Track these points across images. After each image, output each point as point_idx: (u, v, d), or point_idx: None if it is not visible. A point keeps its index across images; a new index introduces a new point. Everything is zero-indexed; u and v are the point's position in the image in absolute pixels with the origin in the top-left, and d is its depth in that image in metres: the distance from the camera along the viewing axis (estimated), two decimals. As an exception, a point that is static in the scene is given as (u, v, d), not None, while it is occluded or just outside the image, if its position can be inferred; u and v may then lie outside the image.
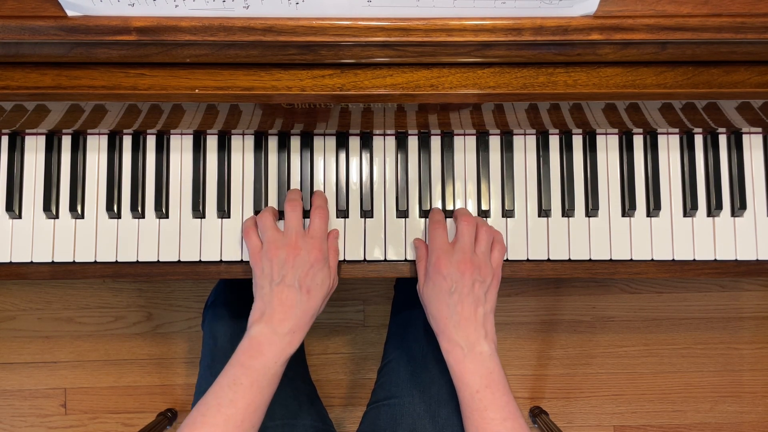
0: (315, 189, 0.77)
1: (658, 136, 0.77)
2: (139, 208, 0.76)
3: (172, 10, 0.55)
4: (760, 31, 0.56)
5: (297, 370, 0.89)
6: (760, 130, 0.77)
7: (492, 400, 0.64)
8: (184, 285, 1.47)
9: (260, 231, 0.71)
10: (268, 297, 0.66)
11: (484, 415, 0.64)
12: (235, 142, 0.77)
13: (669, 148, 0.77)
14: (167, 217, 0.76)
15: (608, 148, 0.77)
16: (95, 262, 0.75)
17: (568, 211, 0.76)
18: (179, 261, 0.76)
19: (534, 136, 0.77)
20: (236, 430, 0.61)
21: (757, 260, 0.76)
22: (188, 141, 0.77)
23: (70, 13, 0.55)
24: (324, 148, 0.77)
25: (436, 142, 0.77)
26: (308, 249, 0.67)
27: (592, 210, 0.76)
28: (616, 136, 0.77)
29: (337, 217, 0.76)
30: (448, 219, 0.75)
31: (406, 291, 0.97)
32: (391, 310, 0.99)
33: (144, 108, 0.67)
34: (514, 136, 0.77)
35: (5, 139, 0.76)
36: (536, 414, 1.38)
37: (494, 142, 0.77)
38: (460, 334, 0.66)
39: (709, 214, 0.77)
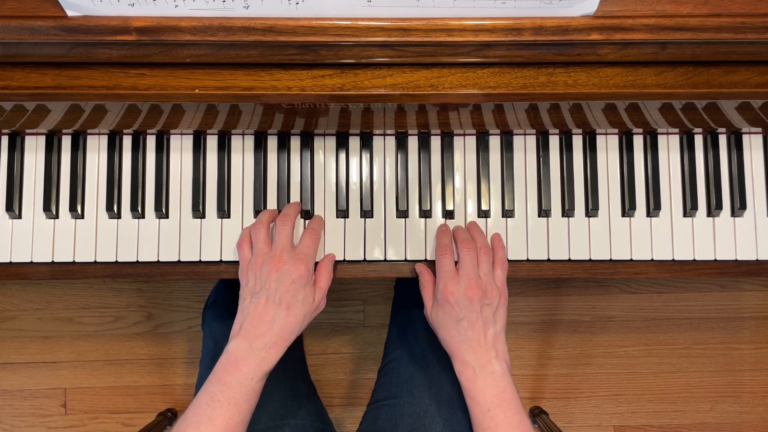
0: (315, 191, 0.77)
1: (658, 136, 0.77)
2: (139, 208, 0.76)
3: (172, 10, 0.55)
4: (760, 31, 0.56)
5: (297, 370, 0.89)
6: (760, 130, 0.77)
7: (503, 419, 0.64)
8: (184, 285, 1.47)
9: (253, 243, 0.71)
10: (247, 310, 0.66)
11: None
12: (235, 142, 0.77)
13: (669, 148, 0.77)
14: (167, 217, 0.76)
15: (608, 148, 0.77)
16: (95, 262, 0.75)
17: (568, 211, 0.76)
18: (179, 261, 0.76)
19: (534, 136, 0.77)
20: None
21: (757, 260, 0.76)
22: (188, 141, 0.77)
23: (70, 13, 0.55)
24: (324, 148, 0.77)
25: (436, 142, 0.77)
26: (293, 263, 0.67)
27: (592, 210, 0.76)
28: (616, 136, 0.77)
29: (337, 217, 0.76)
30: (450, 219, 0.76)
31: (406, 291, 0.97)
32: (391, 310, 0.99)
33: (144, 108, 0.67)
34: (514, 136, 0.77)
35: (5, 139, 0.76)
36: (536, 414, 1.38)
37: (494, 142, 0.77)
38: (471, 356, 0.67)
39: (709, 214, 0.77)
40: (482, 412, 0.65)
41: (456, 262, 0.71)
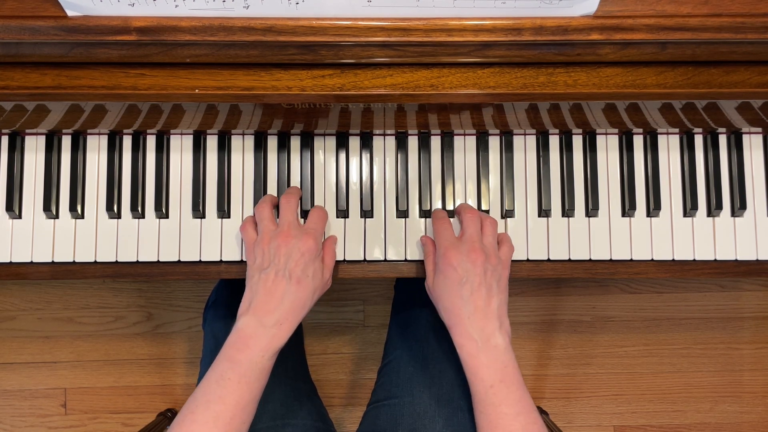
0: (315, 191, 0.77)
1: (658, 136, 0.77)
2: (139, 208, 0.76)
3: (172, 10, 0.55)
4: (760, 31, 0.56)
5: (297, 370, 0.89)
6: (760, 130, 0.77)
7: (506, 394, 0.63)
8: (184, 285, 1.47)
9: (257, 222, 0.70)
10: (256, 287, 0.65)
11: (498, 410, 0.63)
12: (235, 142, 0.77)
13: (669, 148, 0.77)
14: (167, 217, 0.76)
15: (608, 148, 0.77)
16: (95, 262, 0.75)
17: (568, 211, 0.76)
18: (179, 261, 0.76)
19: (534, 136, 0.77)
20: (226, 428, 0.60)
21: (757, 260, 0.76)
22: (188, 141, 0.77)
23: (70, 13, 0.55)
24: (324, 148, 0.77)
25: (436, 142, 0.77)
26: (301, 237, 0.66)
27: (592, 210, 0.76)
28: (616, 136, 0.77)
29: (337, 216, 0.76)
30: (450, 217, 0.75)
31: (406, 291, 0.97)
32: (391, 310, 0.99)
33: (144, 108, 0.67)
34: (514, 136, 0.77)
35: (5, 139, 0.76)
36: (536, 414, 1.38)
37: (494, 142, 0.77)
38: (474, 326, 0.64)
39: (709, 214, 0.77)
40: (485, 388, 0.63)
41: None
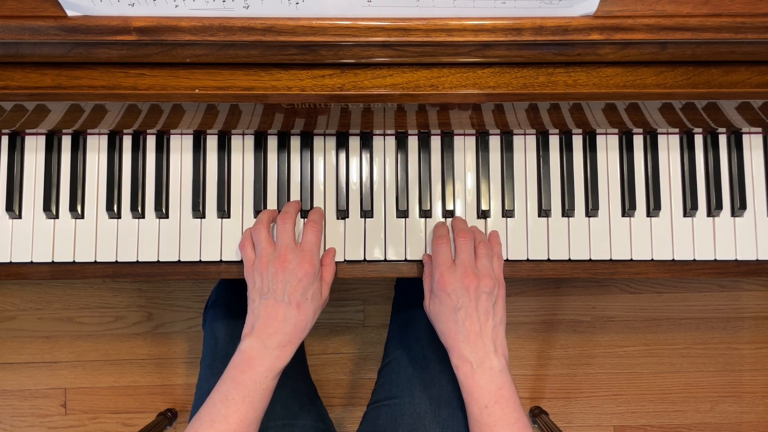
0: (315, 191, 0.77)
1: (658, 136, 0.77)
2: (139, 208, 0.76)
3: (172, 10, 0.55)
4: (760, 31, 0.56)
5: (297, 370, 0.89)
6: (760, 130, 0.77)
7: (501, 415, 0.63)
8: (184, 285, 1.47)
9: (255, 243, 0.71)
10: (258, 311, 0.66)
11: (494, 431, 0.63)
12: (235, 142, 0.77)
13: (669, 148, 0.77)
14: (167, 217, 0.76)
15: (608, 148, 0.77)
16: (95, 262, 0.75)
17: (568, 211, 0.76)
18: (179, 261, 0.76)
19: (534, 136, 0.77)
20: None
21: (757, 260, 0.76)
22: (188, 141, 0.77)
23: (70, 13, 0.55)
24: (324, 148, 0.77)
25: (436, 142, 0.77)
26: (298, 262, 0.67)
27: (592, 210, 0.76)
28: (616, 136, 0.77)
29: (337, 217, 0.76)
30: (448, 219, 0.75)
31: (406, 291, 0.97)
32: (392, 310, 0.99)
33: (144, 108, 0.67)
34: (514, 136, 0.77)
35: (5, 139, 0.76)
36: (536, 414, 1.38)
37: (494, 142, 0.77)
38: (469, 350, 0.65)
39: (709, 214, 0.77)
40: (479, 408, 0.64)
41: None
